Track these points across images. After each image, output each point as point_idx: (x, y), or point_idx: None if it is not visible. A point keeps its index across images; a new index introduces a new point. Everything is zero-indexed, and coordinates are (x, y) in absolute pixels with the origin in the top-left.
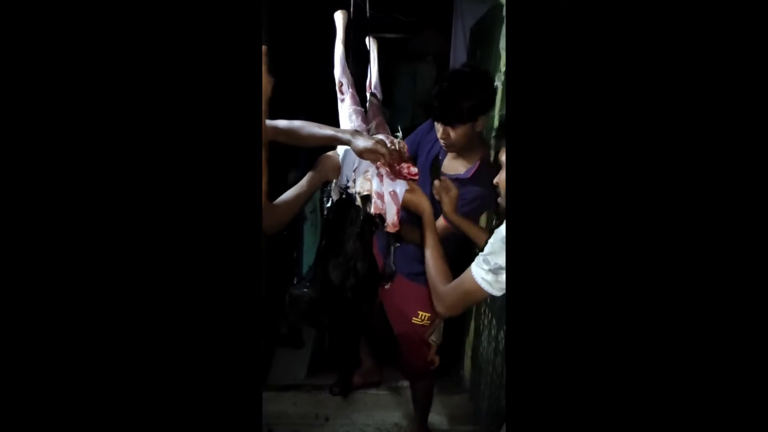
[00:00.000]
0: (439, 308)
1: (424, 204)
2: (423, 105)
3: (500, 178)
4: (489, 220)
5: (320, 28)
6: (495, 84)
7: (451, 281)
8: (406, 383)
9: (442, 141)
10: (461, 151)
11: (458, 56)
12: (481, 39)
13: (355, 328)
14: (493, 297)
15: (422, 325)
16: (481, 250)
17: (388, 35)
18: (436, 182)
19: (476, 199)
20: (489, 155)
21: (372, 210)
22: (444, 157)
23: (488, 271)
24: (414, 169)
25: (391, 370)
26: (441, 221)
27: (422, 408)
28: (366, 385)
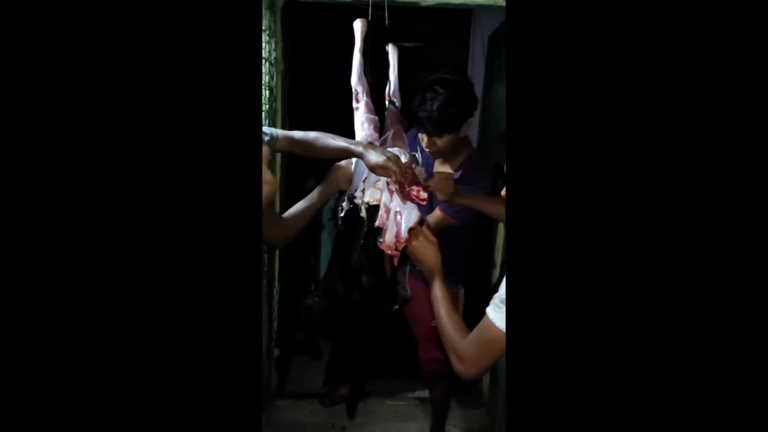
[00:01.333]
0: (460, 367)
1: (429, 256)
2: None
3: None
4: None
5: (339, 37)
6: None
7: (467, 334)
8: (422, 394)
9: (428, 150)
10: (447, 155)
11: (476, 65)
12: (500, 48)
13: (363, 343)
14: None
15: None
16: (503, 221)
17: (406, 44)
18: (431, 181)
19: None
20: (473, 153)
21: (377, 222)
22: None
23: None
24: (424, 194)
25: (406, 381)
26: (437, 213)
27: (439, 413)
28: (354, 397)
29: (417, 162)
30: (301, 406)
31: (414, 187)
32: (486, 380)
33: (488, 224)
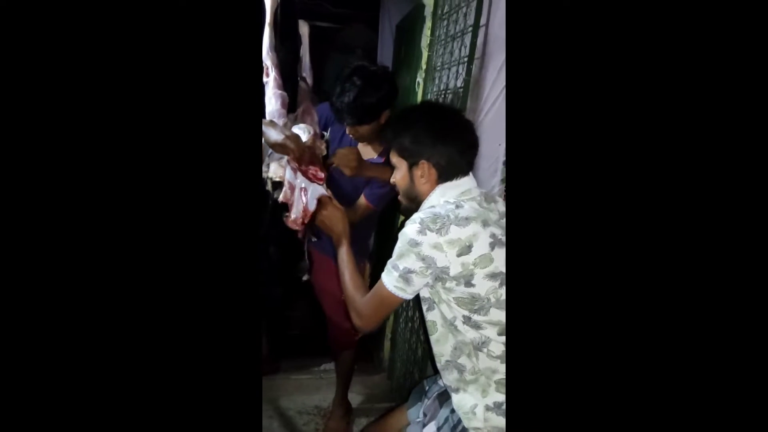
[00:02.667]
0: (358, 322)
1: (338, 223)
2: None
3: (396, 177)
4: (397, 221)
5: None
6: (417, 80)
7: (366, 294)
8: (326, 368)
9: (351, 136)
10: (370, 140)
11: (385, 51)
12: (405, 36)
13: (268, 313)
14: None
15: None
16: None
17: (318, 23)
18: (334, 158)
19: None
20: None
21: (280, 198)
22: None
23: (399, 277)
24: (321, 174)
25: (309, 357)
26: (362, 200)
27: (344, 381)
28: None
29: (323, 140)
30: None
31: (311, 167)
32: (386, 347)
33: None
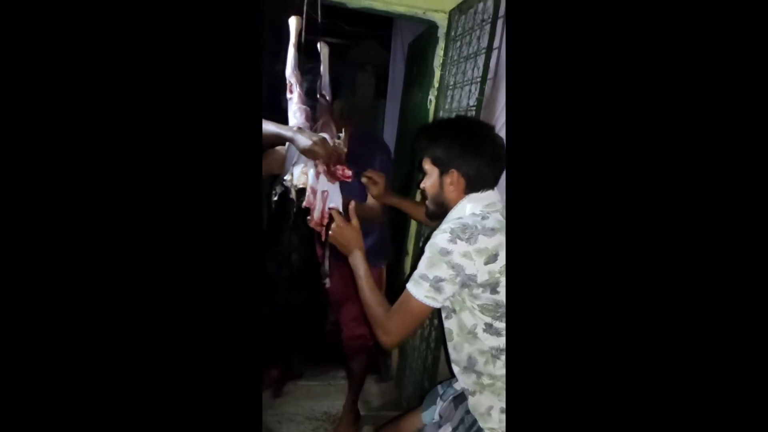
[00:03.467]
0: (385, 338)
1: (349, 238)
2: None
3: (426, 183)
4: (418, 233)
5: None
6: (429, 98)
7: (389, 308)
8: (335, 375)
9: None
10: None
11: (397, 69)
12: (417, 56)
13: (291, 319)
14: None
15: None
16: (425, 222)
17: (330, 40)
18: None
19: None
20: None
21: (304, 203)
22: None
23: (429, 286)
24: (348, 172)
25: (320, 364)
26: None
27: (356, 386)
28: (285, 378)
29: (343, 144)
30: None
31: (339, 167)
32: (395, 355)
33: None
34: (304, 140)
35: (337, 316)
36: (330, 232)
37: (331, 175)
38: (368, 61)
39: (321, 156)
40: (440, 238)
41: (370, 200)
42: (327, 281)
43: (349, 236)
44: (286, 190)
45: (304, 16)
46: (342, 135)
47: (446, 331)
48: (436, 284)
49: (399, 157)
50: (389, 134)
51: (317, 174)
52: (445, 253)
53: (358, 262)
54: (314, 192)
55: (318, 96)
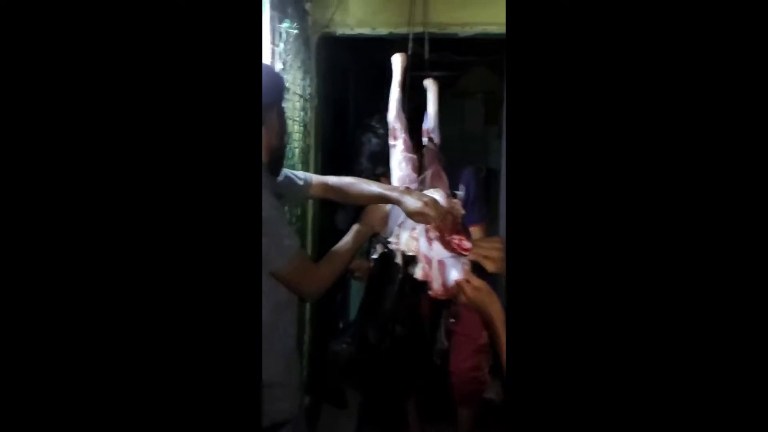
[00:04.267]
0: None
1: (487, 302)
2: (472, 142)
3: None
4: None
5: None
6: None
7: None
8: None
9: None
10: None
11: None
12: None
13: (397, 393)
14: None
15: (485, 344)
16: None
17: (436, 73)
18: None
19: None
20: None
21: (418, 275)
22: None
23: None
24: (467, 244)
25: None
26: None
27: None
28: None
29: (460, 203)
30: None
31: (455, 237)
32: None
33: None
34: (413, 202)
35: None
36: (465, 298)
37: (446, 245)
38: (478, 90)
39: (433, 221)
40: None
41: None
42: (439, 360)
43: (486, 300)
44: (390, 252)
45: (409, 52)
46: (460, 192)
47: None
48: None
49: None
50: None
51: (429, 240)
52: None
53: (499, 325)
54: (429, 262)
55: (425, 140)
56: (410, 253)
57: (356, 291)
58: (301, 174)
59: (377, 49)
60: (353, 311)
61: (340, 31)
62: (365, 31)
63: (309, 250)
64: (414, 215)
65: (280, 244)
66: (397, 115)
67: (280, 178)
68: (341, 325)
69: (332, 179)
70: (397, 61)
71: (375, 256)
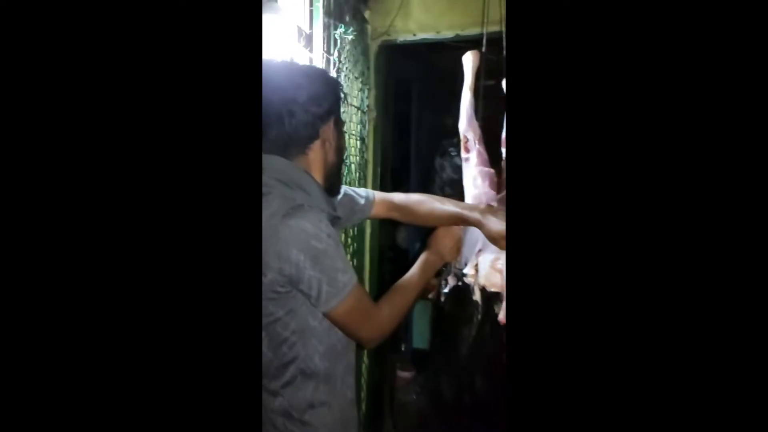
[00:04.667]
0: None
1: None
2: None
3: None
4: None
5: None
6: None
7: None
8: None
9: None
10: None
11: None
12: None
13: None
14: None
15: None
16: None
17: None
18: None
19: None
20: None
21: (502, 317)
22: None
23: None
24: None
25: None
26: None
27: None
28: None
29: None
30: None
31: None
32: None
33: None
34: (497, 224)
35: None
36: None
37: None
38: None
39: None
40: None
41: None
42: None
43: None
44: (465, 288)
45: (483, 49)
46: None
47: None
48: None
49: None
50: None
51: None
52: None
53: None
54: None
55: (503, 152)
56: (493, 290)
57: (419, 319)
58: (362, 191)
59: (442, 55)
60: (416, 332)
61: (402, 38)
62: (429, 35)
63: (367, 276)
64: (499, 240)
65: (335, 279)
66: (469, 124)
67: (339, 196)
68: (403, 348)
69: (398, 197)
70: (469, 60)
71: (446, 290)
